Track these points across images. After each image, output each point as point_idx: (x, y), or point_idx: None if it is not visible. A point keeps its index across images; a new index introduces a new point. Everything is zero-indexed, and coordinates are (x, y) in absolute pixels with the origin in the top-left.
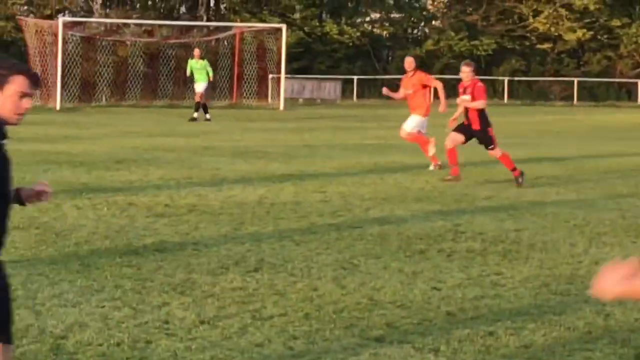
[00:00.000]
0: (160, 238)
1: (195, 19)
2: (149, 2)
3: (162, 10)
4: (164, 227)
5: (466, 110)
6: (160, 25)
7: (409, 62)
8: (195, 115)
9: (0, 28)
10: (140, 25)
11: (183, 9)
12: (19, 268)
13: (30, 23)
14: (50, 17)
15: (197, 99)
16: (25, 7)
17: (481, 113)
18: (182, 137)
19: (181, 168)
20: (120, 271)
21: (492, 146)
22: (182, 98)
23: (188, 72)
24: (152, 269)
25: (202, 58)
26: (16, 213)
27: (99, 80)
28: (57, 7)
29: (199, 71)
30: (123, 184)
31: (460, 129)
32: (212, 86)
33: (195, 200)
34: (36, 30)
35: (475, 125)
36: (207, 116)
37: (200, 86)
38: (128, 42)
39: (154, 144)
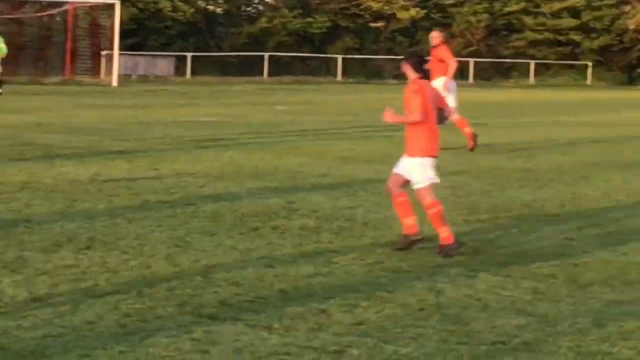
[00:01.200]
0: None
1: None
2: None
3: None
4: None
5: None
6: None
7: (435, 37)
8: None
9: None
10: None
11: None
12: None
13: None
14: None
15: None
16: None
17: None
18: (13, 114)
19: (11, 145)
20: None
21: None
22: (15, 74)
23: None
24: None
25: None
26: None
27: None
28: None
29: None
30: None
31: None
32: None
33: (28, 177)
34: None
35: None
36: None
37: None
38: None
39: None
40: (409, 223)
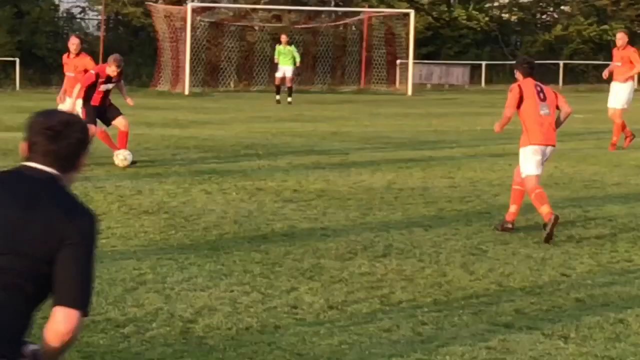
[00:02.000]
0: (288, 223)
1: (324, 4)
2: None
3: None
4: (293, 212)
5: None
6: (289, 11)
7: (621, 37)
8: (278, 97)
9: (130, 13)
10: (269, 10)
11: None
12: (148, 252)
13: (159, 8)
14: (179, 2)
15: (278, 82)
16: None
17: None
18: (310, 122)
19: (309, 153)
20: (249, 256)
21: None
22: (311, 83)
23: (276, 58)
24: (280, 254)
25: (289, 44)
26: (146, 197)
27: (227, 66)
28: None
29: (285, 56)
30: (252, 169)
31: None
32: (298, 72)
33: (324, 185)
34: (165, 16)
35: None
36: (289, 100)
37: (284, 70)
38: (256, 28)
39: (282, 129)
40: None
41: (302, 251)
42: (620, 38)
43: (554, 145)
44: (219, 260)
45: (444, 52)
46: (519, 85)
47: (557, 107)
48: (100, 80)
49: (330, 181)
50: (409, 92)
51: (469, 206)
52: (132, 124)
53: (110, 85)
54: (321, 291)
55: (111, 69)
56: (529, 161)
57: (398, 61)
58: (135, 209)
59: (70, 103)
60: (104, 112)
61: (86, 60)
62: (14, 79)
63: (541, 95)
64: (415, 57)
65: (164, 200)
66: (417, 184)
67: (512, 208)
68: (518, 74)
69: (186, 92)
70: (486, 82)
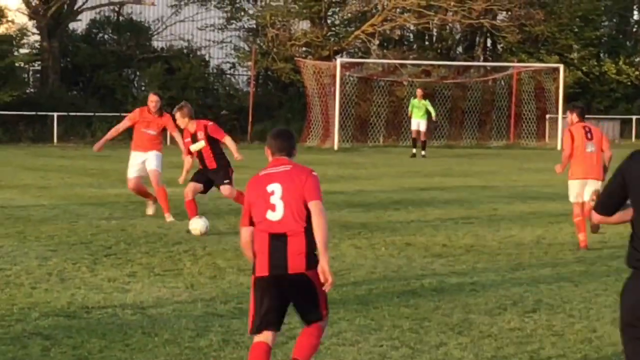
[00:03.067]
0: (437, 278)
1: (472, 59)
2: (426, 43)
3: (439, 51)
4: (442, 267)
5: None
6: (438, 66)
7: None
8: (414, 151)
9: (279, 69)
10: (418, 65)
11: (460, 49)
12: None
13: (308, 64)
14: (328, 58)
15: (414, 135)
16: (304, 49)
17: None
18: (459, 177)
19: (459, 208)
20: (398, 311)
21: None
22: (459, 138)
23: (410, 111)
24: (429, 309)
25: (424, 98)
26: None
27: (376, 120)
28: (334, 48)
29: (419, 110)
30: (401, 223)
31: None
32: (434, 126)
33: (473, 240)
34: (314, 71)
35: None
36: (423, 153)
37: (419, 123)
38: (405, 83)
39: (431, 184)
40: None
41: (451, 306)
42: None
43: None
44: (368, 315)
45: (594, 107)
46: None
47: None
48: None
49: (479, 236)
50: (559, 146)
51: (619, 262)
52: None
53: (197, 142)
54: (470, 346)
55: (179, 122)
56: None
57: (547, 116)
58: None
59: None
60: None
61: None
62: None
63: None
64: (564, 112)
65: None
66: (567, 239)
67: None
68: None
69: (335, 147)
70: (637, 137)
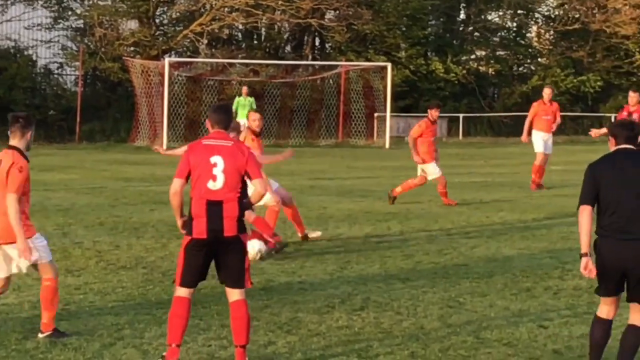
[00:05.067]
0: (266, 277)
1: (301, 58)
2: (255, 42)
3: (267, 50)
4: (270, 265)
5: None
6: (266, 65)
7: (633, 97)
8: None
9: (107, 69)
10: (246, 64)
11: (288, 48)
12: (126, 308)
13: (136, 64)
14: (157, 57)
15: None
16: (132, 48)
17: None
18: (287, 176)
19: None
20: (226, 310)
21: None
22: (288, 137)
23: (234, 109)
24: (258, 308)
25: (249, 95)
26: (124, 253)
27: (205, 120)
28: (163, 48)
29: (244, 107)
30: None
31: None
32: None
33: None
34: (142, 71)
35: None
36: None
37: (243, 122)
38: (234, 82)
39: None
40: None
41: (280, 305)
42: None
43: None
44: (197, 314)
45: (422, 105)
46: None
47: None
48: None
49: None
50: (387, 145)
51: (446, 258)
52: (109, 179)
53: None
54: (299, 345)
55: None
56: None
57: (375, 114)
58: (113, 264)
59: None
60: None
61: None
62: None
63: None
64: (392, 110)
65: (142, 256)
66: (395, 237)
67: None
68: None
69: (164, 147)
70: (464, 135)
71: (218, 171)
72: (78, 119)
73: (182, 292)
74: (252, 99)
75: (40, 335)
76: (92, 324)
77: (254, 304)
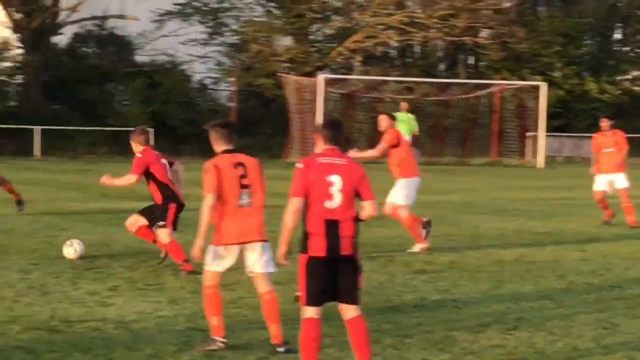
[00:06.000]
0: (419, 294)
1: (455, 76)
2: (409, 60)
3: (421, 68)
4: (423, 283)
5: None
6: (420, 83)
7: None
8: None
9: (261, 85)
10: (400, 82)
11: (442, 66)
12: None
13: (290, 80)
14: (311, 74)
15: None
16: (286, 64)
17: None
18: (440, 194)
19: (440, 224)
20: (379, 327)
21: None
22: (441, 155)
23: None
24: (411, 325)
25: (408, 111)
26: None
27: (358, 137)
28: (317, 64)
29: (403, 123)
30: (383, 240)
31: None
32: (415, 140)
33: (454, 257)
34: (296, 87)
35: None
36: None
37: None
38: (387, 99)
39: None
40: None
41: (433, 322)
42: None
43: None
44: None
45: (576, 125)
46: None
47: None
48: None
49: (461, 253)
50: (540, 164)
51: (600, 279)
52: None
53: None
54: None
55: None
56: None
57: (529, 134)
58: None
59: None
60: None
61: None
62: None
63: None
64: (546, 130)
65: (295, 272)
66: (548, 257)
67: None
68: None
69: (298, 166)
70: None
71: (335, 190)
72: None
73: (310, 312)
74: (411, 115)
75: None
76: (246, 338)
77: (407, 320)
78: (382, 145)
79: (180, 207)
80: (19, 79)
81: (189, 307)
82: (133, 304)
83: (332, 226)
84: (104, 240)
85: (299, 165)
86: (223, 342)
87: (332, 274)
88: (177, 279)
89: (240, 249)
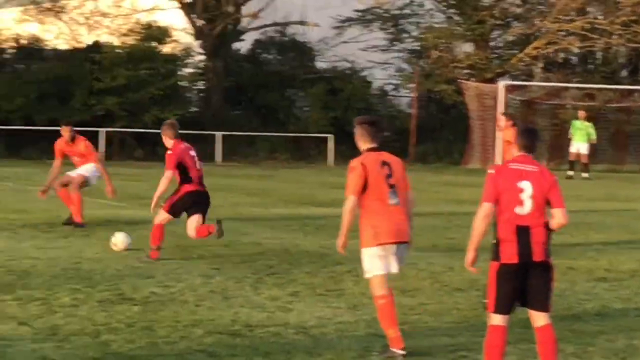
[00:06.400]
0: (601, 302)
1: (637, 83)
2: (590, 66)
3: (603, 75)
4: (605, 291)
5: None
6: (601, 89)
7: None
8: (571, 173)
9: (441, 91)
10: (581, 88)
11: (624, 73)
12: (460, 329)
13: (471, 86)
14: (491, 80)
15: (573, 157)
16: (466, 71)
17: None
18: (622, 201)
19: (622, 232)
20: (561, 334)
21: None
22: (623, 162)
23: (570, 133)
24: (592, 333)
25: (586, 119)
26: (457, 274)
27: (539, 144)
28: (497, 71)
29: (581, 132)
30: (563, 247)
31: None
32: (594, 147)
33: (637, 265)
34: (476, 94)
35: None
36: (585, 175)
37: (578, 147)
38: (568, 106)
39: (594, 207)
40: None
41: (616, 331)
42: None
43: None
44: (532, 339)
45: None
46: None
47: None
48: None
49: None
50: None
51: None
52: (442, 200)
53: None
54: None
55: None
56: None
57: None
58: (447, 285)
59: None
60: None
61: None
62: (326, 155)
63: None
64: None
65: (476, 278)
66: None
67: None
68: None
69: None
70: None
71: (525, 196)
72: (412, 141)
73: (496, 320)
74: (589, 124)
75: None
76: (427, 344)
77: (589, 329)
78: None
79: (195, 196)
80: (200, 85)
81: (370, 313)
82: (313, 309)
83: (523, 232)
84: (284, 246)
85: (491, 171)
86: (403, 354)
87: (522, 281)
88: (358, 284)
89: (395, 249)
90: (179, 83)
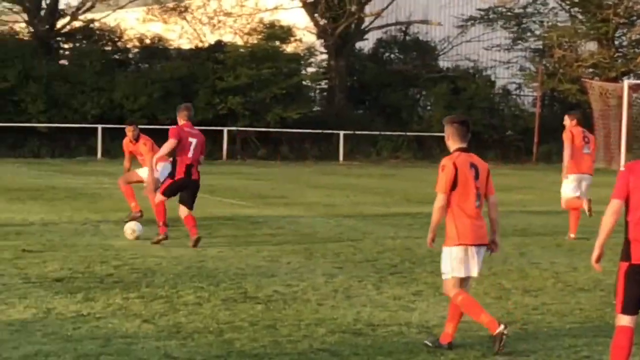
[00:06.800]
0: None
1: None
2: None
3: None
4: None
5: None
6: None
7: None
8: None
9: (565, 90)
10: None
11: None
12: (584, 330)
13: (595, 85)
14: (615, 79)
15: None
16: (590, 70)
17: None
18: None
19: None
20: None
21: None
22: None
23: None
24: None
25: None
26: (581, 274)
27: None
28: (622, 70)
29: None
30: None
31: None
32: None
33: None
34: (601, 93)
35: None
36: None
37: None
38: None
39: None
40: None
41: None
42: None
43: None
44: None
45: None
46: None
47: None
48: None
49: None
50: None
51: None
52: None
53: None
54: None
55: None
56: None
57: None
58: (570, 285)
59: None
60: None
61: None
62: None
63: None
64: None
65: (600, 278)
66: None
67: None
68: None
69: (621, 169)
70: None
71: None
72: (536, 140)
73: (624, 320)
74: None
75: None
76: (550, 344)
77: None
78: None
79: (186, 182)
80: (323, 84)
81: (493, 313)
82: (436, 308)
83: None
84: (407, 245)
85: (622, 168)
86: (505, 332)
87: None
88: (481, 284)
89: (475, 251)
90: (303, 82)
